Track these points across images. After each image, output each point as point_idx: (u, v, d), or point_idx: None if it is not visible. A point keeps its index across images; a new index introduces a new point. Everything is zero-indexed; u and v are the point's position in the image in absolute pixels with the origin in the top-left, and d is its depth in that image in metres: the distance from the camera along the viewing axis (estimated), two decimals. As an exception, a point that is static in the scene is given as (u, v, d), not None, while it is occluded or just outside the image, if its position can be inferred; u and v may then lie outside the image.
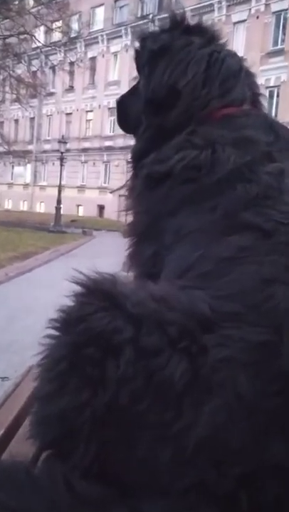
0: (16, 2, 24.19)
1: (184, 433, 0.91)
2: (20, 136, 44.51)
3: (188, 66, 1.50)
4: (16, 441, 1.47)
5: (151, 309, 1.01)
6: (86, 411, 0.96)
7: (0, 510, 0.92)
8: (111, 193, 32.79)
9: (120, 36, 36.37)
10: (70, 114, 41.72)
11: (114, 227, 20.57)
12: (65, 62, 28.45)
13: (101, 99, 38.13)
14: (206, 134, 1.41)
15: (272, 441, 0.91)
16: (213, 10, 30.39)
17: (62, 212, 25.42)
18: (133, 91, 1.72)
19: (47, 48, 27.97)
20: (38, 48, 27.29)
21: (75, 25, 29.47)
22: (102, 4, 37.91)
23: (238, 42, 27.55)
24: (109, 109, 36.77)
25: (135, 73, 1.75)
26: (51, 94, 39.25)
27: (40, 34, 27.71)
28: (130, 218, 1.60)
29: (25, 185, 45.43)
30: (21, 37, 24.61)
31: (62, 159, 26.55)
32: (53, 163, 37.80)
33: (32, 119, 43.60)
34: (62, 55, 27.47)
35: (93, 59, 38.55)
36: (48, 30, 27.53)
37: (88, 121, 40.44)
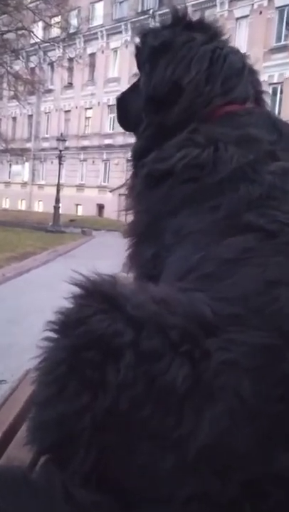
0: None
1: (185, 439, 0.90)
2: (18, 134, 44.54)
3: (191, 63, 1.50)
4: (13, 446, 1.47)
5: (152, 312, 1.00)
6: (85, 416, 0.95)
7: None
8: (111, 192, 32.81)
9: (120, 32, 36.38)
10: (69, 111, 41.72)
11: (114, 226, 20.57)
12: (63, 59, 28.51)
13: (100, 96, 38.14)
14: (209, 132, 1.40)
15: (276, 447, 0.90)
16: (215, 5, 30.39)
17: (60, 211, 25.41)
18: (133, 88, 1.72)
19: (45, 44, 27.94)
20: (36, 43, 27.31)
21: (74, 21, 29.60)
22: (101, -1, 37.97)
23: (241, 38, 27.54)
24: (108, 106, 36.78)
25: (135, 70, 1.75)
26: (49, 91, 39.28)
27: (38, 30, 27.74)
28: (130, 218, 1.60)
29: (23, 184, 45.45)
30: (19, 32, 24.66)
31: (60, 157, 26.53)
32: (52, 162, 37.78)
33: (30, 116, 43.63)
34: (61, 51, 27.49)
35: (92, 55, 38.57)
36: (47, 26, 27.61)
37: (87, 118, 40.44)
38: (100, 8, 38.24)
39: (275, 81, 27.22)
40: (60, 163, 26.83)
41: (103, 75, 38.48)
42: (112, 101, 27.34)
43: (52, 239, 18.65)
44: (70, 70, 35.33)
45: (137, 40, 1.69)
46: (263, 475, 0.90)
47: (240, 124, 1.42)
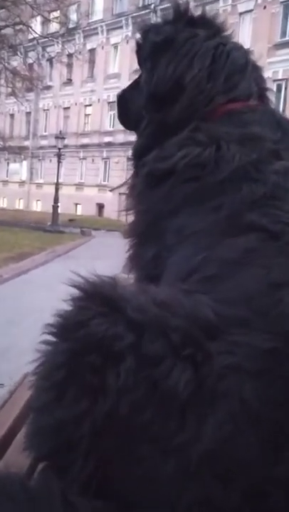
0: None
1: (187, 445, 0.90)
2: (16, 132, 44.57)
3: (193, 59, 1.50)
4: (10, 452, 1.47)
5: (153, 314, 1.00)
6: (85, 422, 0.95)
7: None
8: (111, 191, 32.83)
9: (121, 27, 36.41)
10: (68, 108, 41.76)
11: (114, 226, 20.59)
12: (62, 54, 28.47)
13: (100, 93, 38.17)
14: (210, 130, 1.41)
15: (280, 453, 0.91)
16: (218, 0, 30.41)
17: (59, 211, 25.41)
18: (134, 85, 1.73)
19: (44, 40, 27.94)
20: (34, 39, 27.28)
21: (73, 16, 29.56)
22: (101, -7, 37.99)
23: (245, 33, 27.52)
24: (109, 103, 36.80)
25: (136, 66, 1.75)
26: (48, 87, 39.26)
27: (36, 25, 27.72)
28: (131, 218, 1.60)
29: (21, 183, 45.48)
30: (17, 28, 24.66)
31: (59, 156, 26.56)
32: (50, 160, 37.78)
33: (28, 113, 43.62)
34: (60, 46, 27.48)
35: (92, 51, 38.60)
36: (45, 21, 27.56)
37: (87, 115, 40.47)
38: (99, 3, 38.26)
39: (279, 77, 27.19)
40: (59, 162, 26.85)
41: (103, 71, 38.51)
42: (113, 98, 27.33)
43: (50, 239, 18.65)
44: (70, 66, 35.40)
45: (138, 36, 1.69)
46: (265, 480, 0.90)
47: (242, 122, 1.42)
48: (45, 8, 24.88)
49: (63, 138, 27.15)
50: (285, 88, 27.20)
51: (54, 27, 28.89)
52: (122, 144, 31.91)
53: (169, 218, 1.37)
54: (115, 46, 37.52)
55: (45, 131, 43.14)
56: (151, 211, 1.47)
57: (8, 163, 45.06)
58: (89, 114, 40.24)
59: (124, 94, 1.78)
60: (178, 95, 1.49)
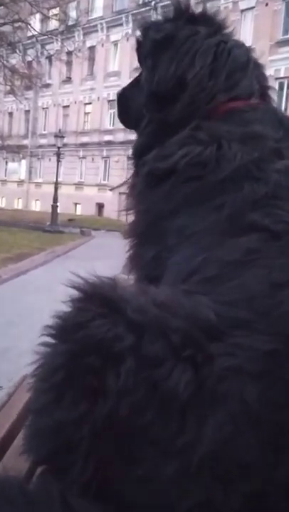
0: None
1: (188, 447, 0.91)
2: (15, 130, 44.64)
3: (195, 57, 1.50)
4: (9, 455, 1.47)
5: (154, 316, 1.00)
6: (84, 424, 0.95)
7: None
8: (111, 190, 32.84)
9: (121, 24, 36.43)
10: (68, 106, 41.78)
11: (114, 226, 20.60)
12: (62, 52, 28.54)
13: (100, 91, 38.18)
14: (212, 129, 1.41)
15: (282, 456, 0.91)
16: (219, -4, 30.42)
17: (59, 210, 25.44)
18: (135, 83, 1.73)
19: (43, 37, 28.00)
20: (33, 36, 27.35)
21: (72, 13, 29.58)
22: (101, -10, 38.01)
23: (246, 30, 27.54)
24: (108, 101, 36.81)
25: (136, 64, 1.75)
26: (47, 85, 39.31)
27: (35, 22, 27.78)
28: (131, 218, 1.60)
29: (20, 182, 45.51)
30: (16, 25, 24.67)
31: (59, 155, 26.57)
32: (50, 159, 37.82)
33: (27, 112, 43.70)
34: (59, 44, 27.50)
35: (92, 48, 38.64)
36: (44, 18, 27.60)
37: (87, 114, 40.49)
38: (99, 0, 38.28)
39: (281, 75, 27.20)
40: (58, 161, 26.87)
41: (103, 69, 38.52)
42: (113, 96, 27.34)
43: (50, 239, 18.66)
44: (69, 63, 35.36)
45: (138, 33, 1.69)
46: (266, 482, 0.90)
47: (244, 120, 1.42)
48: (45, 6, 24.95)
49: (63, 137, 27.16)
50: (287, 86, 27.21)
51: (53, 24, 28.95)
52: (122, 143, 31.92)
53: (170, 218, 1.37)
54: (115, 44, 37.53)
55: (45, 130, 43.17)
56: (152, 211, 1.47)
57: (6, 162, 45.13)
58: (89, 113, 40.26)
59: (124, 92, 1.79)
60: (179, 93, 1.49)
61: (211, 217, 1.26)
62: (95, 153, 38.98)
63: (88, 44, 38.20)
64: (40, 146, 43.06)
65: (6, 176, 46.72)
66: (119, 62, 36.23)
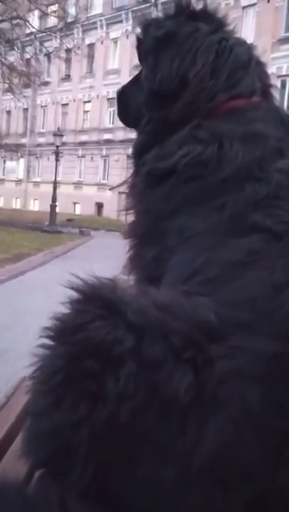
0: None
1: (188, 451, 0.91)
2: (13, 129, 44.65)
3: (196, 55, 1.50)
4: (7, 458, 1.47)
5: (154, 318, 1.00)
6: (83, 427, 0.95)
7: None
8: (110, 189, 32.81)
9: (120, 21, 36.44)
10: (67, 104, 41.80)
11: (114, 226, 20.59)
12: (61, 49, 28.50)
13: (100, 89, 38.19)
14: (212, 128, 1.41)
15: (284, 461, 0.91)
16: (221, -7, 30.44)
17: (57, 210, 25.44)
18: (135, 81, 1.72)
19: (42, 34, 28.03)
20: (32, 33, 27.39)
21: (71, 10, 29.60)
22: (101, -13, 38.02)
23: (248, 28, 27.54)
24: (108, 99, 36.83)
25: (136, 61, 1.75)
26: (46, 83, 39.35)
27: (34, 19, 27.81)
28: (131, 218, 1.60)
29: (18, 182, 45.53)
30: (14, 22, 24.68)
31: (57, 153, 26.56)
32: (48, 158, 37.87)
33: (25, 110, 43.71)
34: (58, 41, 27.52)
35: (91, 46, 38.64)
36: (43, 15, 27.60)
37: (86, 112, 40.51)
38: (99, -4, 38.31)
39: (283, 73, 27.22)
40: (56, 160, 26.87)
41: (102, 67, 38.53)
42: (112, 94, 27.36)
43: (48, 239, 18.67)
44: (68, 61, 35.36)
45: (139, 30, 1.69)
46: (267, 488, 0.90)
47: (245, 119, 1.42)
48: (43, 2, 24.91)
49: (61, 135, 27.16)
50: (290, 84, 27.19)
51: (52, 21, 28.94)
52: (121, 142, 31.93)
53: (170, 218, 1.37)
54: (115, 41, 37.54)
55: (43, 128, 43.18)
56: (152, 211, 1.47)
57: (4, 161, 45.17)
58: (88, 111, 40.28)
59: (124, 90, 1.78)
60: (180, 92, 1.49)
61: (212, 218, 1.26)
62: (94, 152, 38.98)
63: (87, 41, 38.20)
64: (39, 145, 43.06)
65: (3, 175, 46.76)
66: (119, 60, 36.25)
